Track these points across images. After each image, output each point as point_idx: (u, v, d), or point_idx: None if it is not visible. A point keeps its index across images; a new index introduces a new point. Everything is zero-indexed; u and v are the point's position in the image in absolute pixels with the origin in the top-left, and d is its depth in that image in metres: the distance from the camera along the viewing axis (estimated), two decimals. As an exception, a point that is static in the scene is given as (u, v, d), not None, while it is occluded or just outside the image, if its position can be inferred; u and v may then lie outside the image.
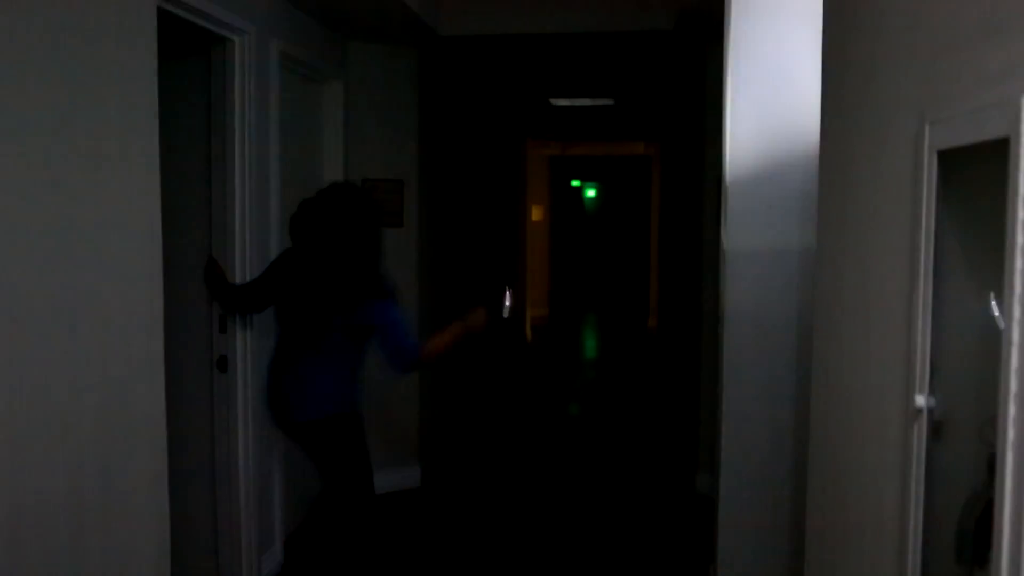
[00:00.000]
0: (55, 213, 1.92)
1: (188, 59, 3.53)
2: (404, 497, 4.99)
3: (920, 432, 1.41)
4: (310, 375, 3.13)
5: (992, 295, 1.26)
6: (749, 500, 3.40)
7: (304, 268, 3.12)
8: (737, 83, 3.32)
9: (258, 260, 3.63)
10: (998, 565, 1.04)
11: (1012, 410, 1.02)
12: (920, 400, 1.40)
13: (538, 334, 11.91)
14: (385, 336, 3.08)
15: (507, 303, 3.65)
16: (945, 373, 1.39)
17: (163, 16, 2.55)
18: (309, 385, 3.13)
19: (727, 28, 3.37)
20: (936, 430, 1.41)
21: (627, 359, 10.41)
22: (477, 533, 4.48)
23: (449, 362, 6.06)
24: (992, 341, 1.10)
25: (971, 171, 1.34)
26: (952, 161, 1.34)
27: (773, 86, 3.26)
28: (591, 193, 17.69)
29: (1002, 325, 1.04)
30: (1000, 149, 1.07)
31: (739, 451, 3.40)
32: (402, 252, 5.01)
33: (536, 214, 12.90)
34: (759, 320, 3.34)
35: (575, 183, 17.04)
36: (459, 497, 5.09)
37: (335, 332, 3.09)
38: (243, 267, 3.54)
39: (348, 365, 3.17)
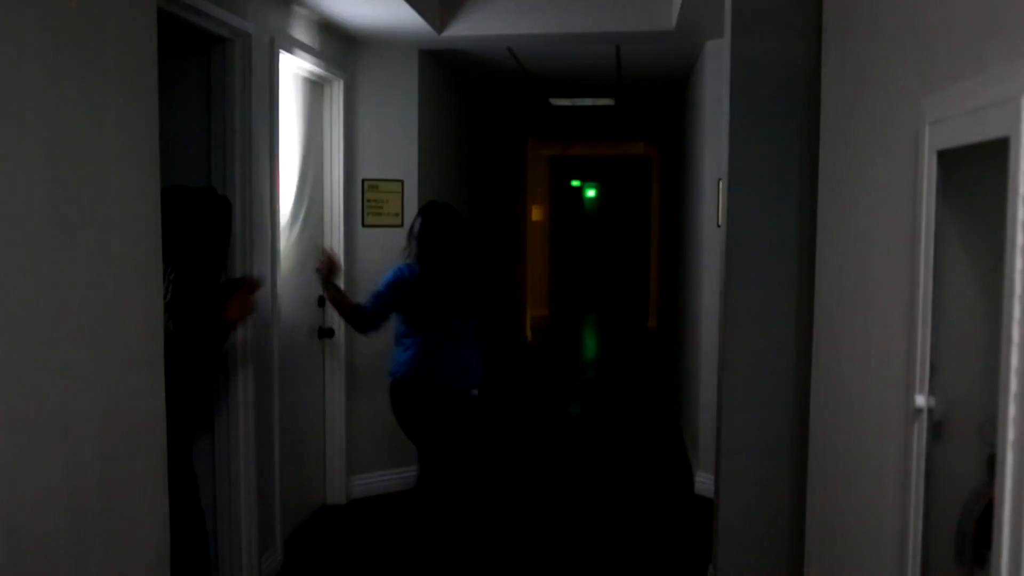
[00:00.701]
0: (55, 213, 1.92)
1: (188, 59, 3.53)
2: (404, 497, 4.99)
3: (920, 432, 1.41)
4: (476, 354, 3.96)
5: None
6: (749, 500, 3.40)
7: (467, 279, 3.84)
8: (738, 80, 3.32)
9: (258, 260, 3.63)
10: (998, 565, 1.04)
11: (1012, 410, 1.02)
12: (920, 400, 1.40)
13: (538, 334, 11.91)
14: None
15: None
16: (945, 373, 1.39)
17: (163, 16, 2.55)
18: (478, 360, 3.97)
19: (728, 26, 3.37)
20: (936, 430, 1.41)
21: (627, 359, 10.41)
22: (476, 533, 4.48)
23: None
24: (992, 341, 1.10)
25: (971, 171, 1.34)
26: (952, 161, 1.34)
27: (774, 83, 3.25)
28: (591, 193, 17.70)
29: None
30: (1000, 149, 1.07)
31: (739, 451, 3.40)
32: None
33: (536, 214, 12.90)
34: (759, 320, 3.34)
35: (575, 183, 17.05)
36: (459, 497, 5.08)
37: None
38: (243, 268, 3.54)
39: None
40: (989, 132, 1.13)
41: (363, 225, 4.86)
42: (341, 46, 4.66)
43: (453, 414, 3.88)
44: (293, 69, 4.14)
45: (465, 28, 4.70)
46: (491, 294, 3.98)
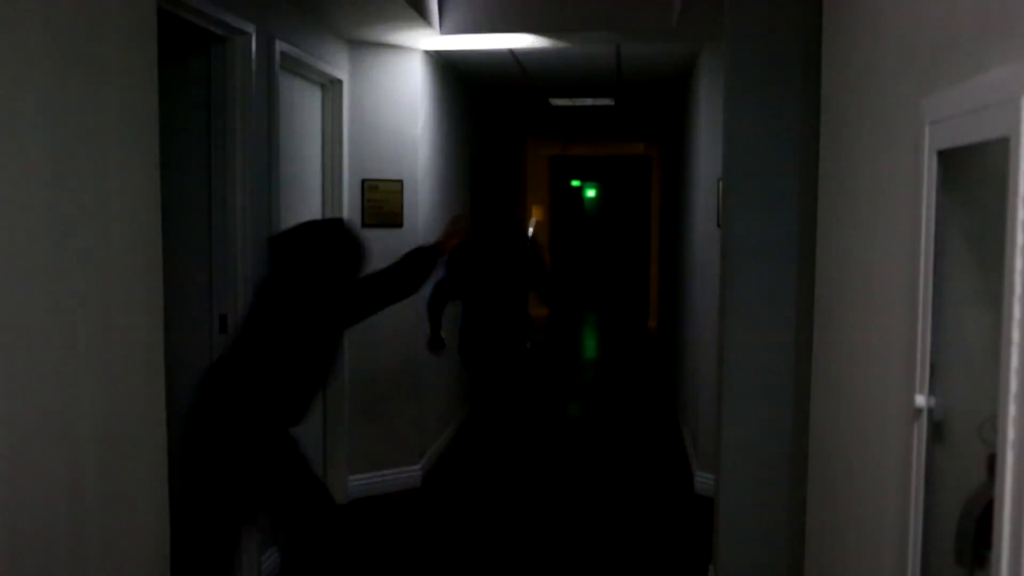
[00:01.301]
0: (55, 213, 1.92)
1: (188, 59, 3.53)
2: (404, 497, 4.99)
3: (920, 432, 1.41)
4: (516, 320, 5.00)
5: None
6: (749, 500, 3.40)
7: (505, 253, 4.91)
8: (738, 80, 3.32)
9: (258, 260, 3.63)
10: (998, 565, 1.04)
11: (1012, 410, 1.02)
12: (920, 400, 1.40)
13: (538, 334, 11.91)
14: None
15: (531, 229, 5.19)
16: (945, 373, 1.39)
17: (163, 16, 2.55)
18: (518, 324, 5.02)
19: (728, 26, 3.37)
20: (936, 430, 1.41)
21: (627, 359, 10.41)
22: (477, 533, 4.49)
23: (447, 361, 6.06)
24: (992, 341, 1.10)
25: (972, 170, 1.34)
26: (952, 161, 1.34)
27: (774, 84, 3.26)
28: (591, 193, 17.70)
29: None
30: (1000, 149, 1.07)
31: (739, 451, 3.40)
32: (402, 252, 5.01)
33: (536, 214, 12.91)
34: (759, 320, 3.34)
35: (575, 183, 17.05)
36: (459, 497, 5.09)
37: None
38: (243, 266, 3.54)
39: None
40: (989, 132, 1.13)
41: (363, 225, 4.86)
42: (342, 46, 4.66)
43: (495, 365, 4.91)
44: (293, 68, 4.14)
45: (466, 28, 4.70)
46: (524, 275, 4.93)
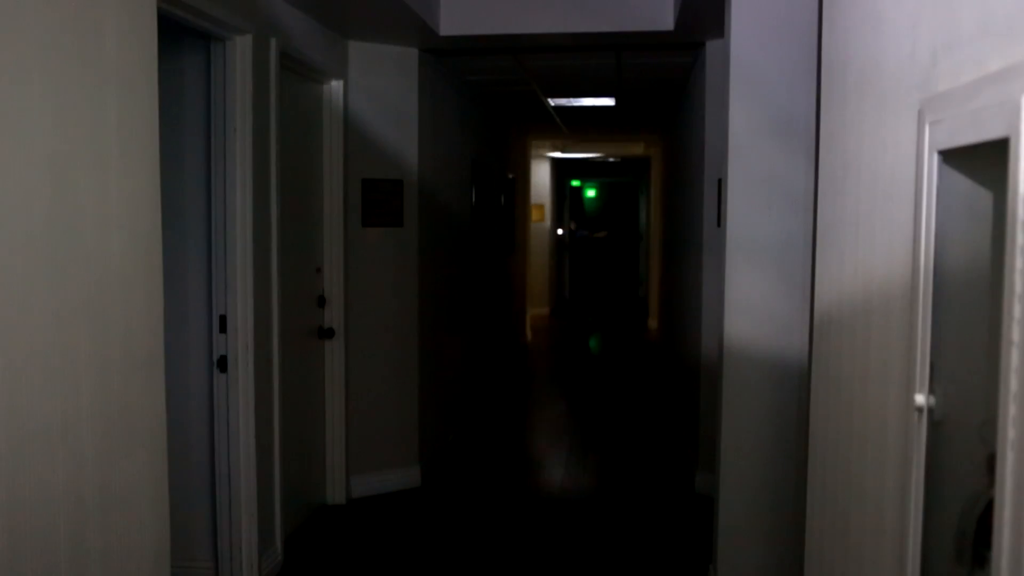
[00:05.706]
0: (55, 213, 1.92)
1: (188, 59, 3.53)
2: (404, 497, 4.99)
3: (920, 432, 1.41)
4: None
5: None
6: (749, 500, 3.40)
7: None
8: (739, 80, 3.32)
9: (258, 260, 3.63)
10: (998, 565, 1.04)
11: (1012, 410, 1.02)
12: (920, 400, 1.40)
13: (538, 334, 11.90)
14: None
15: None
16: (945, 373, 1.39)
17: (162, 16, 2.55)
18: None
19: (728, 26, 3.37)
20: (936, 430, 1.41)
21: (627, 359, 10.41)
22: (477, 533, 4.49)
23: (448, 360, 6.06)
24: (992, 341, 1.10)
25: (971, 171, 1.34)
26: (952, 161, 1.34)
27: (774, 83, 3.26)
28: (591, 193, 17.70)
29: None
30: (1001, 149, 1.07)
31: (739, 451, 3.40)
32: (402, 252, 5.01)
33: (536, 214, 12.90)
34: (759, 318, 3.34)
35: (575, 183, 17.06)
36: (459, 497, 5.09)
37: None
38: (243, 266, 3.54)
39: None
40: (989, 132, 1.13)
41: (363, 225, 4.86)
42: (341, 45, 4.66)
43: None
44: (292, 68, 4.14)
45: (465, 28, 4.71)
46: None
